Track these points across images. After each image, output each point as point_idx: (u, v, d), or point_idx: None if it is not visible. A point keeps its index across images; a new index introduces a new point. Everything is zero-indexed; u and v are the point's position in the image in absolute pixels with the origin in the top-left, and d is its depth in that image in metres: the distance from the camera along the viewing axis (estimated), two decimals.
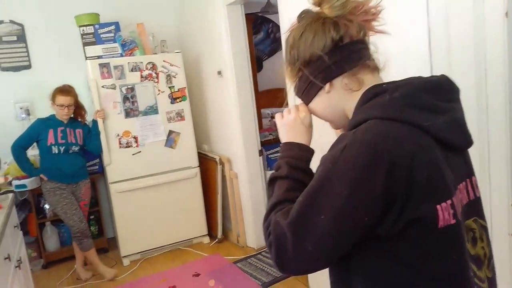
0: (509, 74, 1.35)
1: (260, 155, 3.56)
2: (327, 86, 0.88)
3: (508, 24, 1.33)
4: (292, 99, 1.00)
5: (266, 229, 0.84)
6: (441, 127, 0.79)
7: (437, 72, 1.31)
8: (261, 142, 3.65)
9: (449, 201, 0.76)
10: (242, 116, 3.43)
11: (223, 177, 3.75)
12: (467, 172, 0.88)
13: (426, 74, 0.92)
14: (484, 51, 1.40)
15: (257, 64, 5.09)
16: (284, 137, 0.99)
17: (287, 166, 0.91)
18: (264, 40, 5.82)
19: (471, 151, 0.91)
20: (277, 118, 1.02)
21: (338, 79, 0.87)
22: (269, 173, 3.64)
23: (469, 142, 0.87)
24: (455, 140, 0.82)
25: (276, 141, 3.98)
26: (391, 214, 0.73)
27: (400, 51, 1.65)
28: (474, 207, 0.88)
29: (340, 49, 0.85)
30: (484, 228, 0.90)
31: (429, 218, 0.75)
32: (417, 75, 0.89)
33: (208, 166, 3.90)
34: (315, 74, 0.88)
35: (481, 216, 0.90)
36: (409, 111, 0.78)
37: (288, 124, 0.98)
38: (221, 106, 3.70)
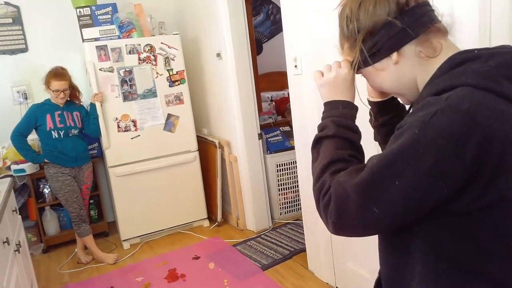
0: None
1: (259, 139, 3.54)
2: (394, 55, 0.82)
3: None
4: None
5: (320, 190, 0.82)
6: None
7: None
8: (261, 125, 3.62)
9: None
10: (241, 99, 3.39)
11: (223, 160, 3.74)
12: None
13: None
14: None
15: (256, 46, 5.03)
16: (325, 96, 0.95)
17: (333, 124, 0.88)
18: (264, 22, 5.75)
19: None
20: (317, 77, 0.97)
21: (408, 46, 0.82)
22: (269, 156, 3.63)
23: None
24: None
25: (276, 124, 3.96)
26: (473, 190, 0.70)
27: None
28: None
29: (408, 12, 0.80)
30: None
31: (503, 203, 0.71)
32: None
33: (207, 150, 3.88)
34: (381, 44, 0.82)
35: None
36: (505, 83, 0.72)
37: (328, 83, 0.94)
38: (220, 89, 3.66)
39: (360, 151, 0.89)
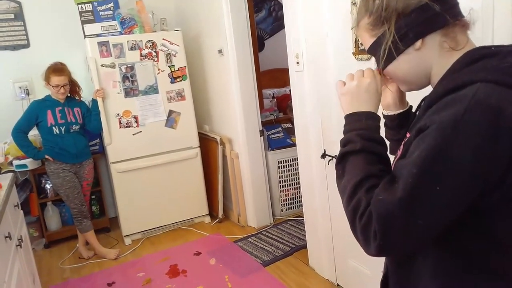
0: None
1: (261, 136, 3.54)
2: (418, 42, 0.79)
3: None
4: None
5: (355, 210, 0.77)
6: None
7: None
8: (262, 122, 3.62)
9: None
10: (243, 96, 3.39)
11: (224, 157, 3.75)
12: None
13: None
14: None
15: (258, 43, 5.02)
16: (346, 108, 0.90)
17: (359, 138, 0.83)
18: (266, 19, 5.73)
19: None
20: (339, 86, 0.93)
21: (433, 35, 0.79)
22: (270, 153, 3.63)
23: None
24: None
25: (277, 121, 3.96)
26: (504, 186, 0.69)
27: None
28: None
29: (440, 0, 0.78)
30: None
31: None
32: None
33: (209, 146, 3.89)
34: (409, 28, 0.79)
35: None
36: None
37: (350, 92, 0.89)
38: (222, 86, 3.66)
39: (389, 164, 0.85)
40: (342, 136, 0.89)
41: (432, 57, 0.81)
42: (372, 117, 0.87)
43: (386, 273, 0.96)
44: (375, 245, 0.73)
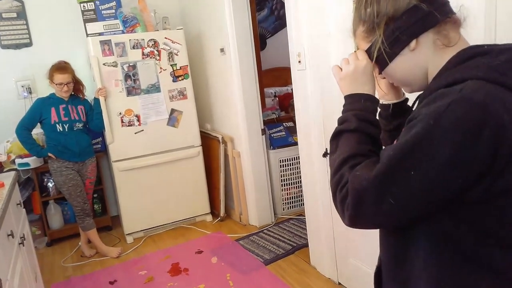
0: None
1: (263, 134, 3.54)
2: (412, 43, 0.82)
3: None
4: None
5: (337, 183, 0.82)
6: None
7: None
8: (264, 121, 3.63)
9: None
10: (245, 94, 3.39)
11: (226, 156, 3.75)
12: None
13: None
14: None
15: (260, 42, 5.02)
16: (346, 90, 0.93)
17: (355, 118, 0.87)
18: (268, 17, 5.73)
19: None
20: (335, 71, 0.95)
21: (426, 34, 0.81)
22: (272, 152, 3.64)
23: None
24: None
25: (279, 120, 3.96)
26: (486, 181, 0.70)
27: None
28: None
29: (429, 0, 0.80)
30: None
31: None
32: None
33: (210, 145, 3.89)
34: (401, 30, 0.81)
35: None
36: None
37: (348, 76, 0.92)
38: (223, 85, 3.66)
39: (380, 147, 0.88)
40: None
41: (427, 56, 0.83)
42: (370, 99, 0.90)
43: (380, 265, 0.99)
44: (348, 216, 0.79)
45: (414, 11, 0.80)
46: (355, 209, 0.77)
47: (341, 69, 0.94)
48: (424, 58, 0.83)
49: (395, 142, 0.86)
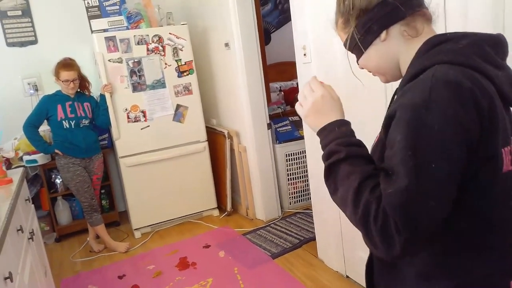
0: None
1: (268, 129, 3.54)
2: (383, 34, 0.87)
3: None
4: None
5: (366, 215, 0.75)
6: (503, 80, 0.80)
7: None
8: (270, 115, 3.62)
9: (509, 147, 0.79)
10: (250, 89, 3.39)
11: (232, 150, 3.75)
12: None
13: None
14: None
15: (265, 36, 5.00)
16: (315, 125, 0.91)
17: (341, 147, 0.84)
18: (272, 12, 5.71)
19: None
20: (298, 110, 0.95)
21: (395, 26, 0.87)
22: (278, 146, 3.63)
23: None
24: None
25: (285, 114, 3.95)
26: (480, 150, 0.75)
27: None
28: None
29: None
30: None
31: (495, 161, 0.77)
32: None
33: (216, 140, 3.90)
34: (373, 22, 0.87)
35: None
36: (477, 60, 0.79)
37: (311, 111, 0.92)
38: (229, 80, 3.66)
39: (375, 163, 0.85)
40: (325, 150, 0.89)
41: (398, 46, 0.88)
42: (343, 123, 0.89)
43: (371, 255, 0.99)
44: (400, 241, 0.71)
45: (384, 5, 0.85)
46: (407, 226, 0.71)
47: (302, 105, 0.95)
48: (395, 48, 0.88)
49: (378, 134, 0.89)
